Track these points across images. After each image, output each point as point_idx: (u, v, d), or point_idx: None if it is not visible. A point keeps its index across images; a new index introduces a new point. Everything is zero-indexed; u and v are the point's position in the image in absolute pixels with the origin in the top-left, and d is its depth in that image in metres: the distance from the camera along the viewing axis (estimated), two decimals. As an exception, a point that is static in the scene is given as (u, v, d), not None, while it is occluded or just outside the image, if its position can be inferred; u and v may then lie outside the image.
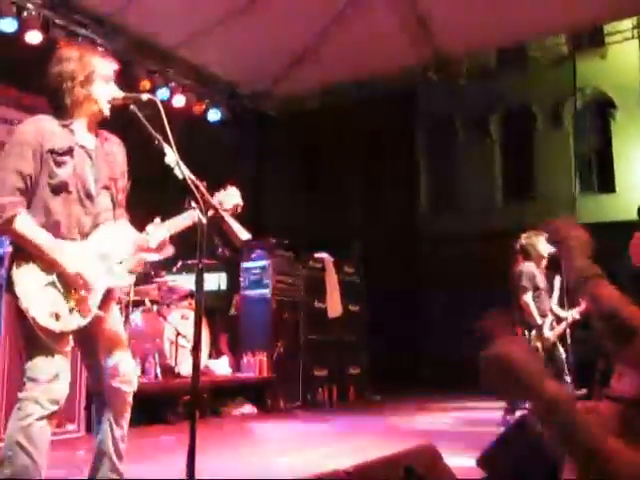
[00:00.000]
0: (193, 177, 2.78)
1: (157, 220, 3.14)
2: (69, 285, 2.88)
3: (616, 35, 10.23)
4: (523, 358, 1.56)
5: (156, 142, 2.88)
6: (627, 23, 9.87)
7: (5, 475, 2.75)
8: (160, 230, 3.09)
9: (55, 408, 2.83)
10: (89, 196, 3.00)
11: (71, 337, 2.91)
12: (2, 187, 2.82)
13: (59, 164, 2.91)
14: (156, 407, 6.68)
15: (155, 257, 3.19)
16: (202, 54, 9.79)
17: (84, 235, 2.98)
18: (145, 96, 3.07)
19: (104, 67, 3.08)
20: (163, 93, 9.48)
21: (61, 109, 3.00)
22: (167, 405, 6.86)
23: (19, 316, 2.83)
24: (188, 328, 7.43)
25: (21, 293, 2.79)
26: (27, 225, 2.82)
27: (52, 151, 2.90)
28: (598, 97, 14.65)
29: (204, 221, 2.64)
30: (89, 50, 3.18)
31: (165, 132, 2.87)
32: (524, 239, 7.29)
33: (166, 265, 7.78)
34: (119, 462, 3.07)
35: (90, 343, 3.06)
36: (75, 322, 2.88)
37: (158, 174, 3.06)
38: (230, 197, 3.20)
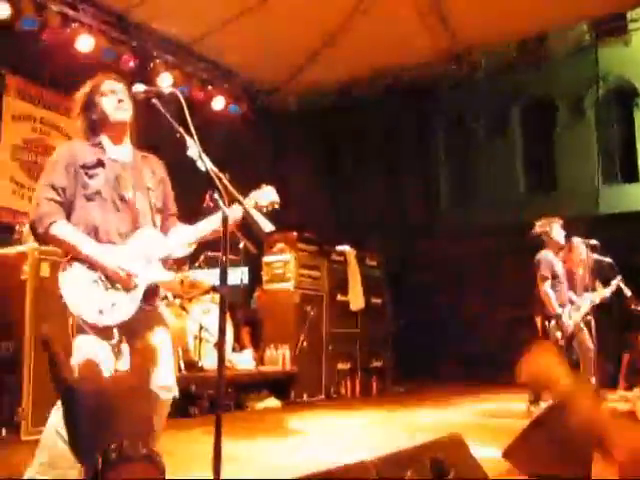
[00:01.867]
0: (216, 169, 2.79)
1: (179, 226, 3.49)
2: (113, 281, 3.07)
3: (639, 21, 10.10)
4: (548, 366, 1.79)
5: (178, 135, 2.90)
6: (651, 9, 9.75)
7: (43, 459, 2.93)
8: (195, 231, 3.36)
9: None
10: (124, 200, 3.22)
11: (116, 330, 3.05)
12: (39, 201, 3.11)
13: (91, 176, 3.18)
14: (180, 401, 6.71)
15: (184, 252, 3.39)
16: (220, 49, 9.81)
17: (123, 237, 3.18)
18: (167, 89, 3.16)
19: (101, 88, 3.35)
20: (182, 88, 9.51)
21: (91, 131, 3.33)
22: (191, 399, 6.90)
23: (66, 313, 3.02)
24: (211, 322, 7.46)
25: (67, 294, 3.00)
26: (65, 230, 3.07)
27: (83, 166, 3.19)
28: (621, 85, 14.45)
29: (227, 214, 2.64)
30: (92, 80, 3.44)
31: (187, 125, 2.89)
32: (538, 227, 7.25)
33: (189, 259, 7.81)
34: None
35: (135, 337, 3.16)
36: (118, 316, 3.04)
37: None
38: (266, 195, 3.39)
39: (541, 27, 9.87)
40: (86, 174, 3.17)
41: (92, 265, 3.05)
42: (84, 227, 3.12)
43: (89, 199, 3.15)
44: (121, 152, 3.33)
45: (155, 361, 3.13)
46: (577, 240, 7.38)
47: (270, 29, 9.25)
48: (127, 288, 3.07)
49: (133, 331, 3.12)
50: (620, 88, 14.46)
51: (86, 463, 2.57)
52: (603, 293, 7.34)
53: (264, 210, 3.31)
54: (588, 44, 10.76)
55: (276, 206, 3.37)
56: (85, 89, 3.39)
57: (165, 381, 3.16)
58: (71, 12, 8.26)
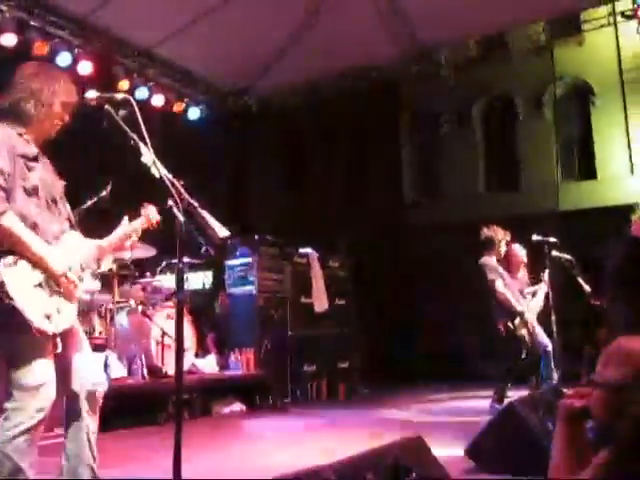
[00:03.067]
0: (170, 176, 2.77)
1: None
2: (54, 286, 2.90)
3: (592, 22, 10.29)
4: None
5: (132, 141, 2.87)
6: (602, 10, 9.93)
7: None
8: (119, 235, 3.26)
9: (42, 416, 2.82)
10: (54, 202, 3.08)
11: (58, 339, 2.91)
12: None
13: (30, 169, 2.96)
14: (145, 408, 6.66)
15: (128, 255, 3.32)
16: (181, 52, 9.74)
17: (54, 239, 3.02)
18: (120, 95, 3.10)
19: (66, 92, 3.14)
20: (142, 92, 9.45)
21: (19, 120, 3.03)
22: (156, 406, 6.84)
23: (6, 321, 2.77)
24: (174, 328, 7.40)
25: (15, 294, 2.75)
26: (17, 223, 2.81)
27: (23, 155, 2.95)
28: (577, 84, 14.68)
29: (181, 219, 2.63)
30: (56, 72, 3.25)
31: (141, 131, 2.86)
32: (488, 231, 7.40)
33: (150, 265, 7.75)
34: (94, 464, 3.07)
35: (64, 345, 3.02)
36: (63, 324, 2.92)
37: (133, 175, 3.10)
38: (152, 213, 3.33)
39: (499, 26, 9.99)
40: (26, 165, 2.94)
41: (37, 266, 2.85)
42: (23, 222, 2.86)
43: (28, 193, 2.93)
44: (38, 152, 3.10)
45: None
46: (515, 246, 7.58)
47: (232, 31, 9.22)
48: (68, 297, 2.94)
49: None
50: (577, 87, 14.69)
51: None
52: (546, 278, 7.49)
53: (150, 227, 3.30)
54: (545, 44, 10.92)
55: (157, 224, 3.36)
56: (52, 79, 3.13)
57: (97, 377, 3.13)
58: (26, 16, 8.13)
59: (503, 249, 7.37)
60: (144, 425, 6.41)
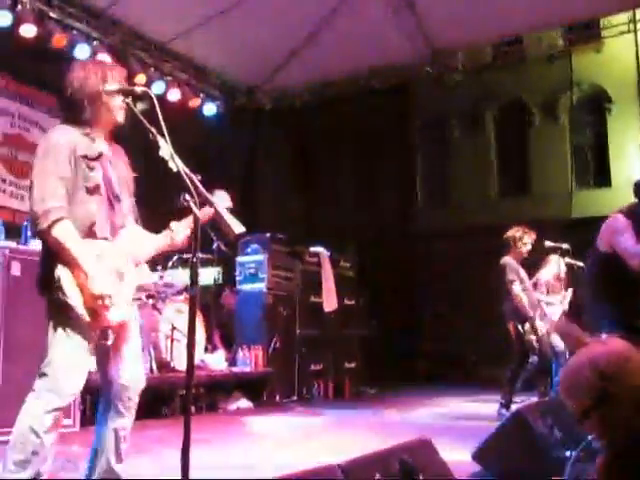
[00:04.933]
0: (187, 170, 2.77)
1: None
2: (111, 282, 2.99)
3: (612, 29, 10.25)
4: None
5: (150, 135, 2.88)
6: (622, 17, 9.88)
7: (16, 460, 2.84)
8: (183, 226, 3.19)
9: (71, 400, 2.98)
10: (117, 198, 3.13)
11: (110, 332, 3.01)
12: (46, 192, 2.90)
13: (91, 168, 3.03)
14: (152, 401, 6.67)
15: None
16: (197, 48, 9.77)
17: (114, 234, 3.09)
18: (139, 89, 3.10)
19: (115, 79, 3.14)
20: (158, 87, 9.47)
21: (80, 120, 3.09)
22: (163, 399, 6.86)
23: (58, 309, 2.91)
24: (183, 322, 7.41)
25: (69, 291, 2.87)
26: (68, 233, 2.89)
27: (85, 157, 3.02)
28: (594, 91, 14.65)
29: (198, 214, 2.63)
30: (101, 62, 3.37)
31: (159, 125, 2.87)
32: (511, 232, 7.34)
33: (162, 259, 7.76)
34: (117, 462, 3.11)
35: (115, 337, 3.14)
36: (115, 317, 2.98)
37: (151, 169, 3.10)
38: (219, 200, 3.23)
39: (516, 31, 9.97)
40: (87, 166, 3.01)
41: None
42: (82, 221, 2.97)
43: (90, 192, 3.01)
44: (105, 146, 3.18)
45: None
46: (554, 256, 7.52)
47: (248, 29, 9.23)
48: (99, 326, 2.97)
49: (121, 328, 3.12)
50: (593, 94, 14.65)
51: None
52: (568, 296, 7.45)
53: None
54: (562, 50, 10.88)
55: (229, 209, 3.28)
56: (102, 72, 3.13)
57: (139, 374, 3.18)
58: (45, 8, 8.17)
59: (525, 249, 7.26)
60: (149, 418, 6.43)
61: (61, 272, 2.87)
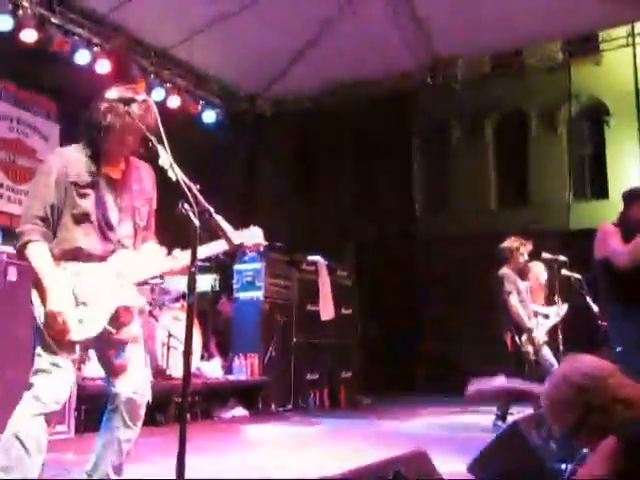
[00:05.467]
0: (186, 179, 2.77)
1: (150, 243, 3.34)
2: (79, 299, 3.00)
3: (610, 42, 10.28)
4: None
5: (150, 144, 2.87)
6: (621, 30, 9.91)
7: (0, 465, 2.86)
8: (186, 255, 3.12)
9: (56, 408, 2.96)
10: (109, 225, 3.12)
11: (78, 346, 3.01)
12: (27, 214, 3.02)
13: (82, 195, 3.05)
14: (147, 409, 6.64)
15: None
16: (197, 54, 9.77)
17: (102, 260, 3.10)
18: (140, 97, 3.08)
19: (139, 109, 3.06)
20: (159, 93, 9.47)
21: (92, 143, 3.10)
22: (158, 407, 6.83)
23: (34, 322, 3.00)
24: (180, 330, 7.40)
25: (36, 301, 2.97)
26: (36, 254, 2.96)
27: (75, 183, 3.04)
28: (593, 103, 14.70)
29: (197, 224, 2.63)
30: (130, 93, 3.13)
31: (159, 134, 2.86)
32: (507, 242, 7.34)
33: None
34: (116, 474, 3.13)
35: (103, 353, 3.20)
36: (83, 333, 2.99)
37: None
38: (252, 236, 3.30)
39: (516, 43, 10.00)
40: (77, 193, 3.04)
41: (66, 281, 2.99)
42: (68, 247, 3.03)
43: (77, 221, 3.04)
44: (115, 168, 3.17)
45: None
46: (535, 263, 7.52)
47: (249, 36, 9.25)
48: (57, 339, 2.95)
49: (99, 347, 3.17)
50: (592, 106, 14.70)
51: None
52: (564, 309, 7.45)
53: (247, 252, 3.27)
54: (561, 62, 10.92)
55: (261, 249, 3.34)
56: (111, 96, 3.07)
57: (140, 387, 3.19)
58: (47, 13, 8.18)
59: (522, 259, 7.28)
60: (144, 425, 6.40)
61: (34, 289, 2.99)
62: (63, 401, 3.01)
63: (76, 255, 3.03)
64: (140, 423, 3.22)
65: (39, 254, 2.97)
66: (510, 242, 7.30)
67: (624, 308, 4.55)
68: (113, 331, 3.08)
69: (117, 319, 3.11)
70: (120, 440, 3.12)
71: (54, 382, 2.95)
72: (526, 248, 7.31)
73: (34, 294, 2.98)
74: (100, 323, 3.04)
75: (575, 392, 2.00)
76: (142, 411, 3.21)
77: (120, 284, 3.10)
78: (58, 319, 2.91)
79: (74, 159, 3.09)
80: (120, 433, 3.12)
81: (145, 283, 3.26)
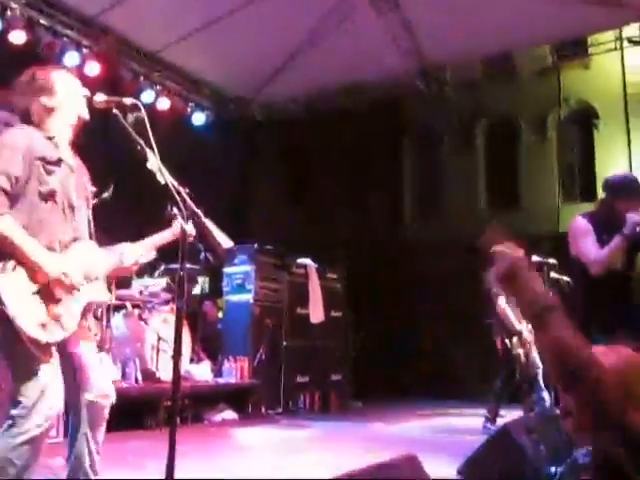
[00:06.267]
0: (175, 183, 2.75)
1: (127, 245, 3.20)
2: (53, 294, 2.85)
3: (599, 46, 10.34)
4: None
5: (138, 147, 2.86)
6: (609, 35, 9.97)
7: None
8: (135, 249, 3.13)
9: (47, 425, 2.80)
10: (71, 207, 3.01)
11: (54, 349, 2.86)
12: None
13: (49, 172, 2.93)
14: (137, 412, 6.62)
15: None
16: (189, 57, 9.76)
17: (63, 247, 2.96)
18: (128, 100, 3.05)
19: (63, 77, 3.11)
20: (149, 95, 9.45)
21: (42, 121, 3.04)
22: (148, 410, 6.80)
23: (3, 329, 2.75)
24: (169, 332, 7.38)
25: (9, 301, 2.72)
26: (12, 226, 2.77)
27: (42, 159, 2.92)
28: (582, 107, 14.74)
29: (186, 228, 2.62)
30: (44, 67, 3.18)
31: (148, 137, 2.85)
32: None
33: (148, 269, 7.73)
34: (94, 477, 3.04)
35: (65, 355, 3.01)
36: (60, 333, 2.85)
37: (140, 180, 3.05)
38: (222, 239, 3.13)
39: (505, 47, 10.03)
40: (44, 169, 2.91)
41: (34, 273, 2.80)
42: (28, 223, 2.84)
43: (43, 198, 2.89)
44: (68, 153, 3.09)
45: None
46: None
47: (240, 39, 9.24)
48: (69, 300, 2.85)
49: (62, 349, 2.97)
50: (581, 110, 14.75)
51: None
52: None
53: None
54: (551, 66, 10.96)
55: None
56: (49, 72, 3.11)
57: (102, 389, 3.05)
58: (36, 14, 8.14)
59: None
60: (134, 429, 6.39)
61: (2, 282, 2.73)
62: (55, 413, 2.85)
63: (39, 236, 2.85)
64: (103, 431, 3.08)
65: (16, 226, 2.79)
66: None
67: (591, 306, 4.32)
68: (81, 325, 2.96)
69: (83, 317, 3.00)
70: (91, 448, 3.01)
71: (41, 396, 2.78)
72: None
73: (3, 284, 2.73)
74: (75, 320, 2.93)
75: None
76: (107, 412, 3.07)
77: (88, 278, 3.00)
78: (66, 281, 2.83)
79: (36, 136, 2.99)
80: (89, 437, 3.01)
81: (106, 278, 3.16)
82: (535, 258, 7.38)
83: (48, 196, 2.91)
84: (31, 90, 3.05)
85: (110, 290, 6.82)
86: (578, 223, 4.44)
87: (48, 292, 2.84)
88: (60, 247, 2.95)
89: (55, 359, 2.87)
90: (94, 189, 3.28)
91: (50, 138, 3.01)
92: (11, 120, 3.14)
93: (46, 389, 2.79)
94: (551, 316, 1.73)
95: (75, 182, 3.08)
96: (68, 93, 3.08)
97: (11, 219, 2.78)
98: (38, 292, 2.81)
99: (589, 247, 4.27)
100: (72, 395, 3.01)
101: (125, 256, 3.09)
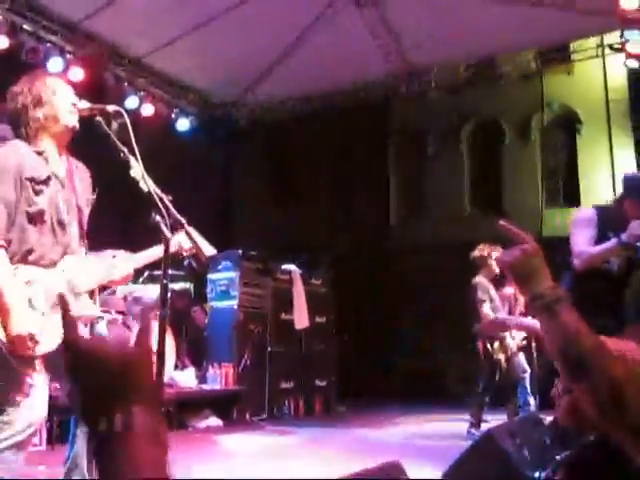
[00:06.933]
0: (158, 191, 2.75)
1: (122, 253, 3.25)
2: (43, 306, 2.85)
3: (581, 52, 10.44)
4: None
5: (122, 154, 2.84)
6: (592, 41, 10.07)
7: None
8: (127, 263, 3.13)
9: (31, 431, 2.80)
10: (62, 225, 3.00)
11: (39, 361, 2.85)
12: None
13: (37, 192, 2.90)
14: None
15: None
16: (173, 63, 9.75)
17: (52, 265, 2.96)
18: (112, 107, 3.02)
19: (54, 86, 3.06)
20: (133, 101, 9.43)
21: (29, 139, 2.99)
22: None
23: None
24: (153, 340, 7.33)
25: None
26: (2, 264, 2.77)
27: (31, 179, 2.90)
28: (565, 112, 14.85)
29: (169, 236, 2.61)
30: (35, 76, 3.14)
31: (131, 144, 2.84)
32: (477, 251, 7.35)
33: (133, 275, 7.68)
34: (89, 477, 3.05)
35: (58, 365, 2.96)
36: (43, 347, 2.83)
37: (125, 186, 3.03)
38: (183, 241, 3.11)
39: (490, 52, 10.11)
40: (33, 189, 2.89)
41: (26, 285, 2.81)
42: (19, 247, 2.86)
43: (30, 220, 2.88)
44: (60, 165, 3.07)
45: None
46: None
47: (224, 44, 9.25)
48: (22, 355, 2.77)
49: (54, 361, 2.93)
50: (564, 115, 14.87)
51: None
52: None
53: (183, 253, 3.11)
54: (534, 71, 11.04)
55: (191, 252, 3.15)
56: (33, 82, 3.04)
57: None
58: (19, 19, 8.10)
59: (495, 265, 7.23)
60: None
61: None
62: (38, 422, 2.86)
63: (28, 258, 2.87)
64: None
65: (2, 266, 2.78)
66: (480, 251, 7.31)
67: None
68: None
69: None
70: (90, 449, 2.99)
71: (24, 405, 2.78)
72: (498, 252, 7.32)
73: None
74: (59, 334, 2.86)
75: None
76: None
77: (74, 293, 2.98)
78: (29, 343, 2.75)
79: (26, 153, 2.95)
80: (89, 441, 2.96)
81: (93, 292, 3.13)
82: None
83: (36, 217, 2.90)
84: (22, 100, 3.00)
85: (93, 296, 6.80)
86: (583, 212, 4.36)
87: (34, 304, 2.84)
88: (49, 264, 2.94)
89: (41, 368, 2.86)
90: (91, 197, 3.25)
91: (40, 153, 2.98)
92: (7, 133, 3.10)
93: (31, 397, 2.79)
94: (560, 307, 1.73)
95: (67, 195, 3.06)
96: (59, 102, 3.03)
97: (4, 254, 2.78)
98: (30, 300, 2.84)
99: (580, 239, 4.16)
100: (70, 399, 3.01)
101: (116, 270, 3.09)
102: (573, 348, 1.65)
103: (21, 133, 3.01)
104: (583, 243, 4.14)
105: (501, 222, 1.89)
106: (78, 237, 3.11)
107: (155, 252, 3.10)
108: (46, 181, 2.94)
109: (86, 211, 3.18)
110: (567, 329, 1.67)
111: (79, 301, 3.01)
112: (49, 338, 2.86)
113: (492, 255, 7.19)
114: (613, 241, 4.02)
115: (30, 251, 2.88)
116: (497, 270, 7.26)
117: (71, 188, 3.10)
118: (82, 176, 3.21)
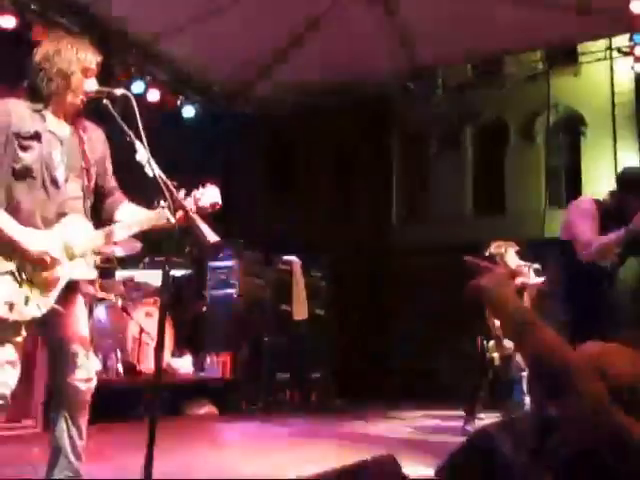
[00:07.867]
0: (163, 176, 2.74)
1: (126, 205, 3.15)
2: (29, 274, 2.81)
3: (589, 55, 10.41)
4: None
5: (128, 138, 2.84)
6: (600, 44, 10.04)
7: None
8: (122, 230, 3.07)
9: (1, 402, 2.79)
10: (54, 182, 2.95)
11: (24, 327, 2.84)
12: None
13: (24, 148, 2.87)
14: (117, 404, 6.59)
15: (119, 251, 3.17)
16: (180, 50, 9.72)
17: (47, 223, 2.92)
18: (119, 90, 3.02)
19: (85, 60, 3.03)
20: (139, 86, 9.40)
21: (37, 95, 2.97)
22: (128, 403, 6.78)
23: None
24: (152, 325, 7.36)
25: None
26: None
27: (17, 135, 2.87)
28: (570, 114, 14.85)
29: (172, 221, 2.61)
30: (73, 41, 3.11)
31: (138, 129, 2.83)
32: (494, 247, 7.34)
33: (133, 261, 7.70)
34: (76, 461, 3.02)
35: (49, 335, 3.01)
36: (30, 313, 2.81)
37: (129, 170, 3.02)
38: (208, 195, 3.06)
39: (496, 51, 10.07)
40: (20, 145, 2.85)
41: (10, 252, 2.77)
42: (6, 204, 2.82)
43: (17, 176, 2.85)
44: (61, 125, 3.03)
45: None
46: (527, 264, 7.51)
47: (231, 33, 9.21)
48: (48, 277, 2.80)
49: (45, 329, 2.97)
50: (569, 116, 14.85)
51: None
52: None
53: (205, 211, 3.01)
54: (541, 72, 11.03)
55: (217, 207, 3.05)
56: (68, 48, 3.01)
57: (84, 373, 3.03)
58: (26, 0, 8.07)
59: (512, 262, 7.17)
60: (113, 422, 6.35)
61: None
62: (8, 391, 2.83)
63: (16, 217, 2.82)
64: (86, 416, 3.07)
65: None
66: (497, 247, 7.30)
67: (570, 304, 4.11)
68: (61, 310, 2.90)
69: (66, 296, 2.94)
70: (71, 432, 3.00)
71: None
72: (514, 248, 7.32)
73: None
74: (52, 299, 2.88)
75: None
76: (88, 397, 3.05)
77: (70, 255, 2.94)
78: (46, 258, 2.78)
79: (17, 109, 2.92)
80: (69, 424, 3.00)
81: (93, 254, 3.10)
82: (520, 263, 7.42)
83: (23, 173, 2.87)
84: (36, 61, 3.00)
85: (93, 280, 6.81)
86: (585, 202, 4.25)
87: (22, 272, 2.81)
88: (44, 224, 2.91)
89: (20, 339, 2.84)
90: (104, 155, 3.21)
91: (37, 110, 2.97)
92: None
93: (2, 366, 2.78)
94: (529, 331, 1.75)
95: (70, 153, 3.02)
96: (71, 61, 3.00)
97: None
98: (10, 272, 2.78)
99: (587, 228, 4.05)
100: (55, 377, 3.01)
101: (112, 235, 3.04)
102: (546, 368, 1.67)
103: (34, 86, 2.99)
104: (589, 232, 4.03)
105: (467, 257, 1.98)
106: (81, 196, 3.07)
107: (148, 216, 3.03)
108: (35, 137, 2.91)
109: (99, 167, 3.15)
110: (538, 350, 1.69)
111: (76, 263, 2.96)
112: (37, 304, 2.83)
113: (508, 251, 7.20)
114: (621, 231, 3.94)
115: (18, 208, 2.85)
116: (513, 266, 7.26)
117: (76, 148, 3.06)
118: (93, 136, 3.18)
